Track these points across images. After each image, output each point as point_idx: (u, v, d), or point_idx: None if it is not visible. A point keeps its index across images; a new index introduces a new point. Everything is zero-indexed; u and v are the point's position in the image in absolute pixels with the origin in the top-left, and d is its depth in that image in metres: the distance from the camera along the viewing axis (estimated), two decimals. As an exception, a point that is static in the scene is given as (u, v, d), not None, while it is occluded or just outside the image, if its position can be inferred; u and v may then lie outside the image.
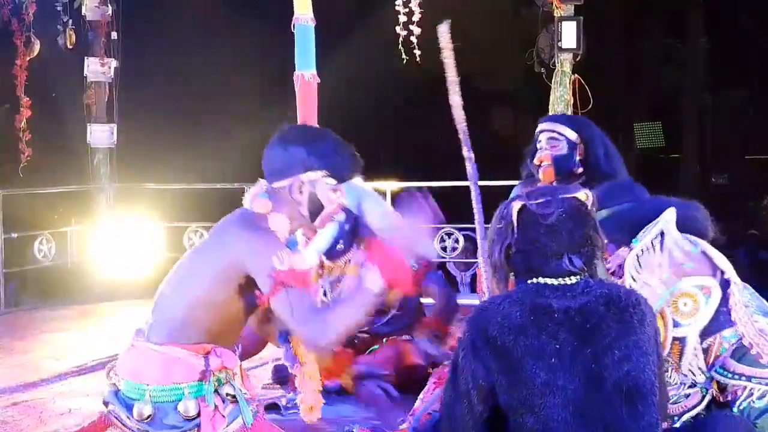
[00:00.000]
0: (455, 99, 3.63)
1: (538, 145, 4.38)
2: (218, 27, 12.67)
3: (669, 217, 3.16)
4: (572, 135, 4.33)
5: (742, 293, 3.14)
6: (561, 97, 7.10)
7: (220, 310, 2.95)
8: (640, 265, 3.11)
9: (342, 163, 3.08)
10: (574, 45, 7.02)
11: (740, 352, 3.15)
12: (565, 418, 2.31)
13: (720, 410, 3.12)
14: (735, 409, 3.14)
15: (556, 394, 2.32)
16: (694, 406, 3.16)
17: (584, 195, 2.50)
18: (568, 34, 7.00)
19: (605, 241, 2.58)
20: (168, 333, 2.92)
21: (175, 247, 9.11)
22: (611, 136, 4.42)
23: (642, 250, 3.11)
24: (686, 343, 3.07)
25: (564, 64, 7.13)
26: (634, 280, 3.09)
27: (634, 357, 2.35)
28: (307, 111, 5.78)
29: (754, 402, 3.11)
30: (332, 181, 3.06)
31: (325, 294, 4.70)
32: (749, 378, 3.14)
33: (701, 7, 17.22)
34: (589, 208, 2.51)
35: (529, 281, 2.47)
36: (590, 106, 7.12)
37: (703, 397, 3.19)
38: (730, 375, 3.16)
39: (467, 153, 3.69)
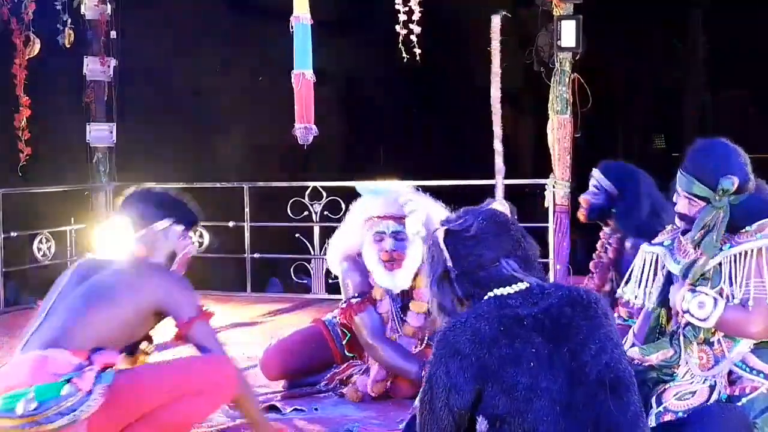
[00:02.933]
0: (495, 92, 3.65)
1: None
2: (218, 25, 12.67)
3: None
4: (611, 188, 4.85)
5: None
6: (560, 96, 7.09)
7: (124, 334, 3.35)
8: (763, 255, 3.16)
9: (184, 214, 3.66)
10: (573, 44, 7.01)
11: (762, 351, 3.19)
12: (553, 418, 2.32)
13: (719, 408, 3.12)
14: (736, 404, 3.15)
15: (542, 396, 2.32)
16: (702, 404, 3.17)
17: (499, 206, 2.58)
18: (568, 32, 6.99)
19: (538, 248, 2.60)
20: (52, 341, 3.16)
21: (175, 246, 9.10)
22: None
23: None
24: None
25: (563, 63, 7.12)
26: None
27: (608, 348, 2.39)
28: (305, 109, 5.79)
29: (761, 399, 3.13)
30: (179, 228, 3.60)
31: (394, 319, 4.67)
32: (767, 376, 3.17)
33: (701, 6, 17.22)
34: (508, 216, 2.60)
35: (485, 297, 2.48)
36: (589, 105, 7.12)
37: (710, 395, 3.20)
38: (747, 370, 3.20)
39: (498, 146, 3.71)
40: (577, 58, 7.16)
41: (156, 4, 11.09)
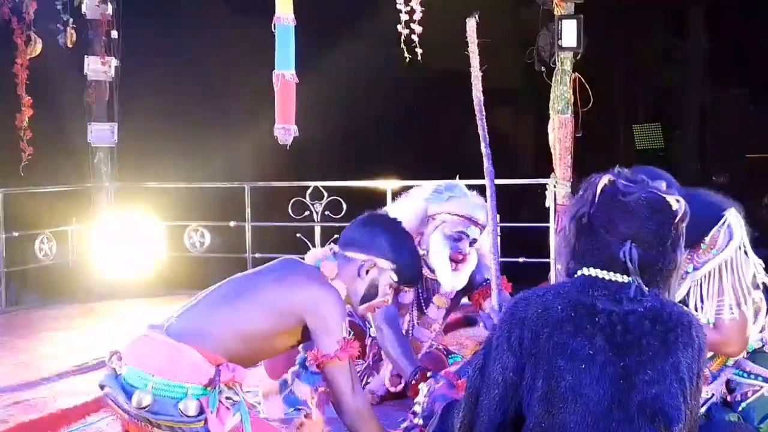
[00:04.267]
0: (477, 94, 3.61)
1: None
2: (220, 25, 12.65)
3: (739, 223, 3.20)
4: None
5: None
6: (561, 95, 7.10)
7: (256, 344, 3.06)
8: (727, 270, 3.14)
9: (411, 268, 3.31)
10: (574, 44, 7.03)
11: (758, 356, 3.22)
12: (580, 428, 2.21)
13: (722, 417, 3.13)
14: (739, 410, 3.16)
15: (578, 402, 2.22)
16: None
17: (674, 201, 2.34)
18: (569, 32, 7.00)
19: (677, 263, 2.38)
20: (191, 335, 2.95)
21: (176, 246, 9.12)
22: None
23: (730, 257, 3.14)
24: None
25: (564, 62, 7.13)
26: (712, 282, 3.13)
27: (667, 381, 2.22)
28: (285, 110, 5.78)
29: (761, 403, 3.14)
30: (395, 278, 3.25)
31: (414, 310, 4.68)
32: (766, 379, 3.19)
33: (702, 5, 17.22)
34: (674, 216, 2.33)
35: (578, 272, 2.35)
36: (590, 104, 7.12)
37: (705, 402, 3.21)
38: (746, 375, 3.21)
39: (485, 149, 3.67)
40: (578, 57, 7.17)
41: (157, 3, 11.08)
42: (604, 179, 2.36)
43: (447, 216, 4.45)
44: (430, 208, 4.50)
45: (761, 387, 3.19)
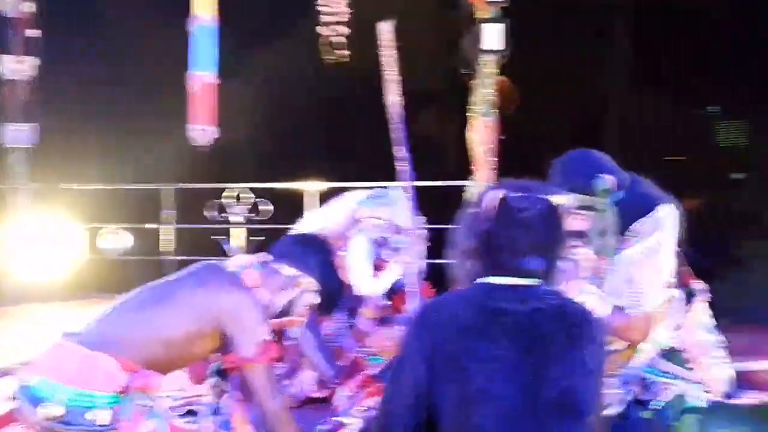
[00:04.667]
0: (393, 98, 3.58)
1: None
2: (143, 26, 12.50)
3: (673, 220, 3.21)
4: None
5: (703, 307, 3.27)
6: (485, 98, 7.13)
7: (175, 350, 3.02)
8: (646, 260, 3.15)
9: (333, 296, 3.36)
10: (497, 46, 7.05)
11: (671, 354, 3.24)
12: (496, 427, 2.24)
13: (638, 415, 3.15)
14: (652, 409, 3.19)
15: (491, 403, 2.25)
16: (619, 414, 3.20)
17: (561, 200, 2.42)
18: (491, 35, 7.03)
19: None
20: (107, 342, 2.90)
21: (94, 248, 8.98)
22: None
23: (649, 248, 3.15)
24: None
25: (488, 65, 7.16)
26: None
27: (575, 375, 2.28)
28: (204, 112, 5.70)
29: (675, 401, 3.18)
30: (316, 300, 3.27)
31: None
32: (676, 377, 3.22)
33: (625, 11, 17.52)
34: (561, 214, 2.44)
35: (481, 280, 2.39)
36: (515, 107, 7.17)
37: (622, 399, 3.23)
38: (657, 373, 3.24)
39: (402, 153, 3.65)
40: (501, 60, 7.20)
41: (82, 3, 10.92)
42: (497, 195, 2.40)
43: (374, 221, 4.43)
44: (359, 212, 4.48)
45: (675, 385, 3.22)
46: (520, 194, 2.40)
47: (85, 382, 2.82)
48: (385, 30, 3.56)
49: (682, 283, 3.35)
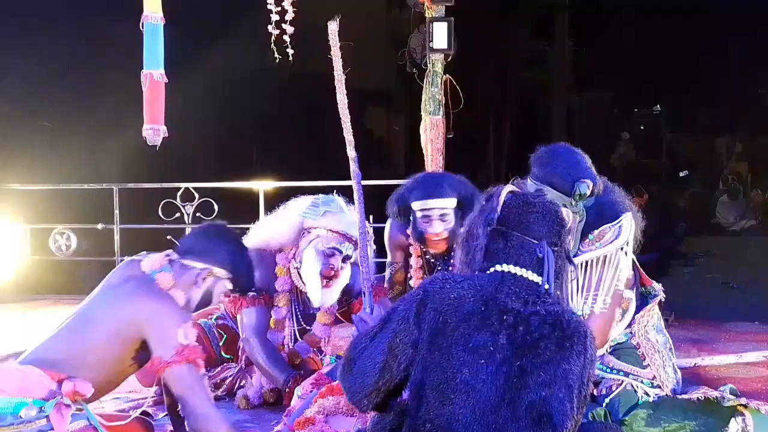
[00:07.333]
0: (341, 98, 3.59)
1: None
2: (90, 24, 12.37)
3: (631, 226, 3.26)
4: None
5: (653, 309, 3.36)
6: (433, 97, 7.16)
7: (104, 365, 3.11)
8: (606, 266, 3.20)
9: (246, 278, 3.46)
10: (445, 45, 7.09)
11: (621, 352, 3.30)
12: (468, 421, 2.25)
13: (588, 410, 3.20)
14: (604, 405, 3.24)
15: (470, 395, 2.27)
16: None
17: (566, 215, 2.56)
18: (440, 34, 7.06)
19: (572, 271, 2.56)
20: (40, 361, 2.99)
21: (41, 249, 8.86)
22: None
23: (610, 254, 3.20)
24: None
25: (436, 64, 7.19)
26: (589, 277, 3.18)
27: (556, 386, 2.28)
28: (154, 111, 5.64)
29: (625, 397, 3.23)
30: (230, 286, 3.39)
31: (293, 326, 4.62)
32: (627, 374, 3.27)
33: (567, 9, 17.69)
34: (566, 227, 2.52)
35: (492, 269, 2.43)
36: (461, 105, 7.20)
37: None
38: (608, 370, 3.30)
39: (351, 152, 3.66)
40: (449, 59, 7.24)
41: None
42: (508, 188, 2.50)
43: (322, 231, 4.41)
44: (305, 222, 4.46)
45: (624, 381, 3.28)
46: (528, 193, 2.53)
47: (12, 391, 2.90)
48: (332, 29, 3.57)
49: (638, 284, 3.43)
